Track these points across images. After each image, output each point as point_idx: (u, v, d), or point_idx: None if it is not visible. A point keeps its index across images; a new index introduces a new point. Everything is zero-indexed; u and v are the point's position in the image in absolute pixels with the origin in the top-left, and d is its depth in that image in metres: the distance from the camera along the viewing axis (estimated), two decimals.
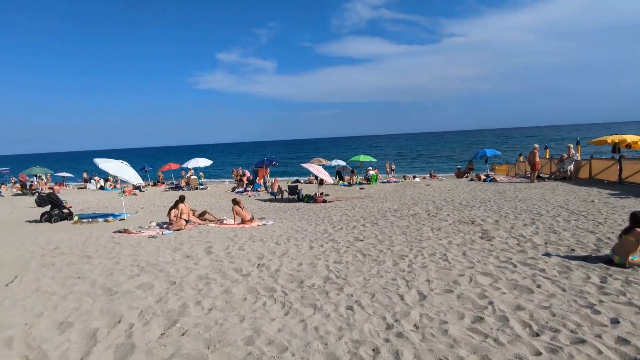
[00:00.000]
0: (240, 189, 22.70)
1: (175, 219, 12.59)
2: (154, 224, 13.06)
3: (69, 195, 24.41)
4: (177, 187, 26.46)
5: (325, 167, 31.79)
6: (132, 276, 6.29)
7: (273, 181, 20.00)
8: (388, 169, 27.42)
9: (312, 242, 8.61)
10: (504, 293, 4.86)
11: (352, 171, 23.82)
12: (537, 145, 19.34)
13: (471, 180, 21.92)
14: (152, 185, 29.66)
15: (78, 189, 29.62)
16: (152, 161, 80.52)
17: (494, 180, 20.91)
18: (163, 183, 30.59)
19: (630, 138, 19.29)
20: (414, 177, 26.47)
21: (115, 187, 28.47)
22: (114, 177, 28.36)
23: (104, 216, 15.32)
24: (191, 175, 31.50)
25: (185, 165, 26.77)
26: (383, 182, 23.70)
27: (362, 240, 8.36)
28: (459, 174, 26.56)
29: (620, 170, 16.82)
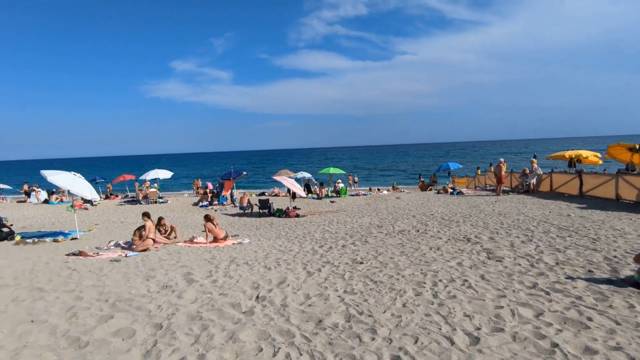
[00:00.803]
0: (205, 203, 21.25)
1: (138, 239, 11.20)
2: (113, 243, 11.56)
3: (8, 210, 21.76)
4: (134, 201, 24.52)
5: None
6: (102, 317, 5.04)
7: (242, 195, 18.83)
8: (351, 182, 27.00)
9: (306, 265, 7.66)
10: (560, 330, 4.20)
11: (321, 184, 23.14)
12: (503, 160, 19.58)
13: (438, 193, 21.88)
14: (104, 199, 27.28)
15: (17, 202, 26.67)
16: (103, 172, 75.46)
17: (460, 193, 20.95)
18: (117, 196, 28.31)
19: (585, 153, 20.03)
20: (378, 189, 26.23)
21: (62, 200, 25.88)
22: (63, 190, 25.76)
23: (52, 235, 13.47)
24: (148, 187, 29.45)
25: (143, 176, 24.87)
26: (352, 195, 23.17)
27: (361, 263, 7.53)
28: (423, 187, 26.62)
29: (581, 184, 17.25)
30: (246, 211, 18.19)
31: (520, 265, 6.80)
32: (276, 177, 17.80)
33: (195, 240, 11.97)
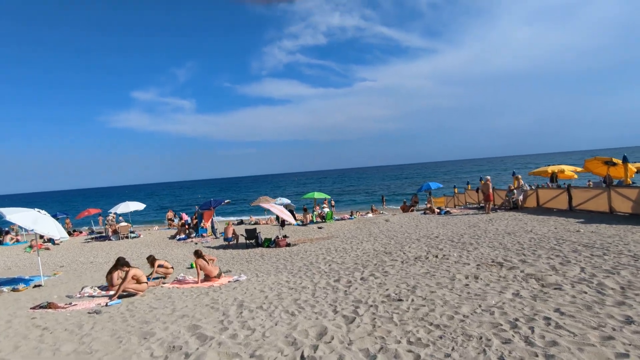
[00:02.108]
0: (183, 236, 19.49)
1: (117, 283, 9.58)
2: (87, 290, 9.78)
3: None
4: (103, 237, 22.31)
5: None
6: None
7: (227, 225, 17.30)
8: (327, 205, 25.99)
9: (335, 306, 6.41)
10: None
11: (305, 209, 21.97)
12: (489, 177, 19.24)
13: (425, 213, 21.23)
14: (71, 235, 24.73)
15: None
16: (65, 206, 70.31)
17: (448, 212, 20.38)
18: (80, 232, 25.78)
19: (567, 168, 20.07)
20: (362, 212, 25.43)
21: (18, 240, 23.16)
22: (20, 229, 23.17)
23: (11, 283, 11.54)
24: (112, 220, 27.17)
25: (113, 210, 22.71)
26: (338, 220, 22.16)
27: (401, 300, 6.37)
28: (405, 208, 26.00)
29: (570, 198, 17.02)
30: (231, 242, 16.67)
31: (585, 293, 5.88)
32: (264, 205, 16.47)
33: (184, 279, 10.44)
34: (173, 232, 23.27)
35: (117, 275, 9.76)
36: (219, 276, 10.23)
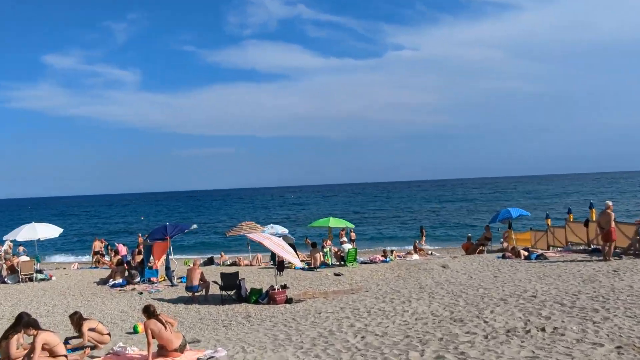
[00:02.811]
0: (120, 280, 19.13)
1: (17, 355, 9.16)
2: None
3: None
4: None
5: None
6: None
7: (191, 266, 16.84)
8: (344, 239, 25.54)
9: None
10: None
11: (313, 245, 21.56)
12: (610, 204, 18.65)
13: (504, 257, 20.69)
14: None
15: None
16: None
17: (542, 257, 19.83)
18: None
19: None
20: (405, 253, 25.03)
21: None
22: None
23: None
24: (8, 252, 26.82)
25: (9, 236, 22.41)
26: (364, 262, 21.93)
27: None
28: (469, 247, 25.48)
29: None
30: (197, 294, 16.24)
31: None
32: (252, 236, 16.12)
33: (124, 352, 10.11)
34: (104, 273, 22.81)
35: (17, 342, 9.29)
36: (181, 350, 9.83)
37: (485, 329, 9.55)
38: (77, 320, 10.74)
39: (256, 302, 15.26)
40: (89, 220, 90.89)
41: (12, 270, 21.09)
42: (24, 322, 9.01)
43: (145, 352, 10.15)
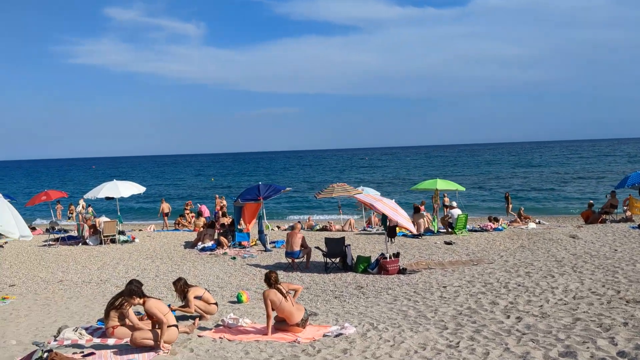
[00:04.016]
0: (210, 243, 18.81)
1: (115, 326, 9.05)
2: (69, 333, 9.23)
3: None
4: (73, 238, 22.56)
5: (346, 201, 28.69)
6: None
7: (292, 230, 16.22)
8: (453, 204, 24.45)
9: None
10: None
11: (416, 209, 20.55)
12: None
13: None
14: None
15: None
16: (6, 186, 73.74)
17: None
18: (34, 228, 26.14)
19: None
20: (516, 220, 23.72)
21: None
22: None
23: None
24: (82, 211, 27.26)
25: (91, 193, 22.47)
26: (474, 230, 21.16)
27: None
28: (590, 215, 23.75)
29: None
30: (298, 260, 15.59)
31: None
32: (363, 199, 15.26)
33: (236, 324, 9.56)
34: (187, 235, 22.71)
35: (128, 311, 8.91)
36: (303, 324, 9.24)
37: None
38: (181, 287, 10.22)
39: (364, 272, 14.51)
40: (154, 180, 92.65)
41: (94, 231, 21.26)
42: (133, 290, 8.52)
43: (258, 325, 9.68)
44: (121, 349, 8.25)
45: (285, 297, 9.08)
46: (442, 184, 22.85)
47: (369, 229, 23.88)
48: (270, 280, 9.20)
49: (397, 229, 17.24)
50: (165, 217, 28.19)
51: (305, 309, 9.42)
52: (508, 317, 9.01)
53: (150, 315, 8.23)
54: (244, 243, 19.22)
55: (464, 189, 23.69)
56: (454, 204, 20.90)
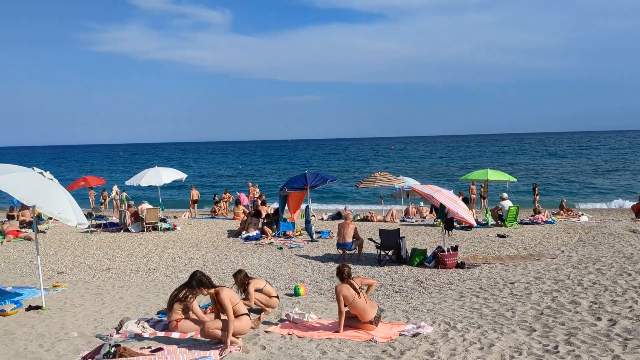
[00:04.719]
0: (254, 233, 18.44)
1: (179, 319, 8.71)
2: (132, 326, 8.84)
3: None
4: (114, 225, 22.46)
5: (387, 191, 28.18)
6: None
7: (344, 220, 15.78)
8: (504, 195, 23.86)
9: None
10: None
11: (465, 200, 19.99)
12: None
13: None
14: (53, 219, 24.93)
15: None
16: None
17: None
18: None
19: None
20: (564, 212, 23.10)
21: None
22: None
23: None
24: (116, 197, 27.24)
25: (132, 180, 22.28)
26: (524, 223, 20.68)
27: None
28: None
29: None
30: (350, 252, 15.12)
31: None
32: (418, 189, 14.80)
33: (302, 320, 9.16)
34: (227, 223, 22.40)
35: (193, 304, 8.57)
36: (376, 322, 8.71)
37: None
38: (242, 279, 9.76)
39: (419, 265, 14.03)
40: (181, 168, 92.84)
41: (136, 218, 21.06)
42: (201, 281, 8.11)
43: (325, 321, 9.27)
44: (190, 344, 7.91)
45: (358, 293, 8.61)
46: (493, 174, 22.19)
47: (408, 219, 23.40)
48: (343, 275, 8.72)
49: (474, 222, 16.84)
50: (195, 205, 27.91)
51: (379, 306, 8.95)
52: (599, 319, 8.42)
53: (222, 306, 7.82)
54: (289, 233, 18.88)
55: (515, 180, 23.00)
56: (505, 195, 20.25)
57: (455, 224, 18.39)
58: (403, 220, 23.11)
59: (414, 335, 8.15)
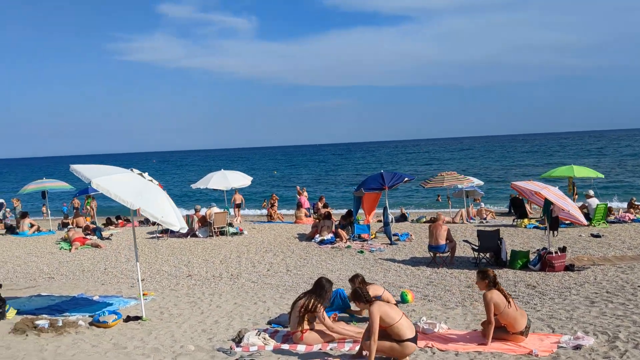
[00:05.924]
0: (329, 236, 17.76)
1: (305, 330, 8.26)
2: (253, 338, 8.29)
3: None
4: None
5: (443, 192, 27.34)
6: None
7: (436, 220, 14.98)
8: (590, 193, 23.03)
9: None
10: None
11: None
12: None
13: None
14: (116, 226, 25.08)
15: None
16: (75, 180, 74.53)
17: None
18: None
19: None
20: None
21: (39, 229, 23.52)
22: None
23: (86, 308, 10.46)
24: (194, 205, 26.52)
25: (200, 183, 21.88)
26: (611, 222, 19.76)
27: None
28: None
29: None
30: (444, 255, 14.29)
31: None
32: (523, 185, 14.00)
33: (433, 330, 8.52)
34: (293, 227, 21.85)
35: (322, 313, 7.91)
36: (526, 332, 7.80)
37: None
38: (359, 285, 9.04)
39: (522, 268, 13.17)
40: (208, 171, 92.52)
41: (204, 222, 20.47)
42: (353, 293, 7.58)
43: (458, 331, 8.56)
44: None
45: (508, 301, 7.79)
46: (579, 171, 21.30)
47: (471, 220, 22.52)
48: (490, 279, 7.99)
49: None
50: (238, 209, 27.20)
51: (528, 316, 8.11)
52: None
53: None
54: (364, 236, 18.16)
55: (602, 176, 22.10)
56: (591, 192, 19.33)
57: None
58: (466, 222, 22.27)
59: (576, 348, 7.37)
